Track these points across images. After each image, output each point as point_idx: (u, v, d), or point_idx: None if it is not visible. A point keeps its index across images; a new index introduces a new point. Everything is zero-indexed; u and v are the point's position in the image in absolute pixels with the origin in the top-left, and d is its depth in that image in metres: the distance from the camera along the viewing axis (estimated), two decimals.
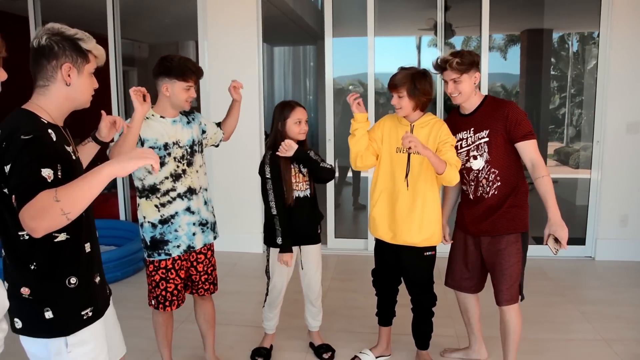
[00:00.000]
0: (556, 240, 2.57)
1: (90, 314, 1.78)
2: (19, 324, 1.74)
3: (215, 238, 2.93)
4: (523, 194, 2.78)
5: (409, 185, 2.85)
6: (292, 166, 2.99)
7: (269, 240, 3.07)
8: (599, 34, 4.93)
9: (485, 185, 2.76)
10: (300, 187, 3.01)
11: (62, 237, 1.71)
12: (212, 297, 3.06)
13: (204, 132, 2.92)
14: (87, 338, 1.78)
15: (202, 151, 2.88)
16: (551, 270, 4.70)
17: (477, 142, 2.74)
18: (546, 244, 2.59)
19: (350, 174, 6.99)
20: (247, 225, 5.17)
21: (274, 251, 3.06)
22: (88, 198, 1.53)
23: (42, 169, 1.55)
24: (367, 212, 5.87)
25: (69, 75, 1.70)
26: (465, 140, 2.79)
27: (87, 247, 1.81)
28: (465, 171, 2.82)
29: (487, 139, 2.71)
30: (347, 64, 6.79)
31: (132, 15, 6.42)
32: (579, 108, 8.18)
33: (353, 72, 8.42)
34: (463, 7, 6.24)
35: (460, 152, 2.81)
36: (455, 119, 2.88)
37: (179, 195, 2.72)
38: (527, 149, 2.65)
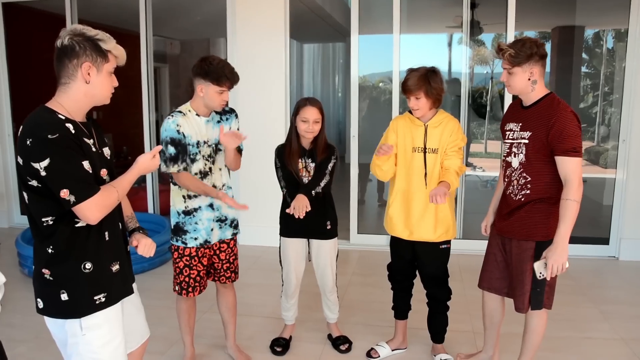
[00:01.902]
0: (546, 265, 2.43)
1: (102, 299, 1.89)
2: (40, 304, 1.88)
3: (234, 234, 3.02)
4: (553, 203, 2.55)
5: (427, 183, 2.92)
6: (300, 160, 3.07)
7: (282, 230, 3.21)
8: (627, 29, 4.87)
9: (515, 186, 2.65)
10: (304, 181, 3.08)
11: (82, 222, 1.84)
12: (235, 288, 3.16)
13: None
14: (101, 322, 1.90)
15: None
16: (573, 269, 4.64)
17: (519, 141, 2.61)
18: (534, 262, 2.50)
19: None
20: (271, 219, 5.21)
21: (284, 240, 3.21)
22: (127, 189, 1.94)
23: (83, 162, 1.78)
24: None
25: (88, 74, 1.82)
26: (512, 132, 2.66)
27: (107, 235, 1.93)
28: (504, 164, 2.74)
29: (526, 141, 2.56)
30: (377, 61, 6.82)
31: (164, 12, 6.58)
32: (612, 106, 8.04)
33: (383, 69, 8.43)
34: (491, 4, 6.21)
35: (506, 143, 2.71)
36: (515, 106, 2.74)
37: None
38: (565, 165, 2.42)
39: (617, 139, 5.02)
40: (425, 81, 2.81)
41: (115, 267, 1.97)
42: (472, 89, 6.38)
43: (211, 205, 2.87)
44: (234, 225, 3.01)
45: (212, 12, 7.31)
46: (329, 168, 3.06)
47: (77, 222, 1.84)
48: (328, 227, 3.18)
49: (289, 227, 3.18)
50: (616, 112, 7.91)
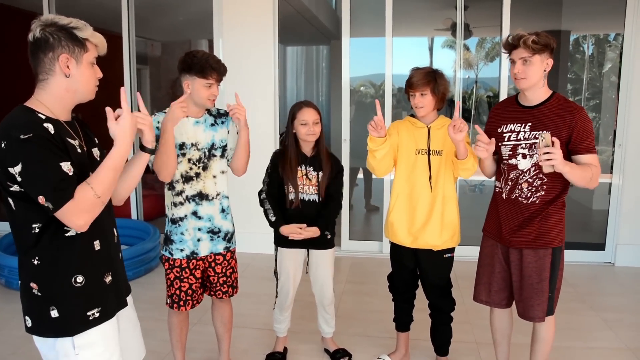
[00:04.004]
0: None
1: (97, 315, 1.72)
2: (29, 322, 1.71)
3: (227, 248, 2.81)
4: (561, 206, 2.54)
5: (432, 186, 2.79)
6: (299, 168, 2.93)
7: (277, 239, 3.04)
8: (621, 35, 4.83)
9: (525, 189, 2.51)
10: (305, 190, 2.94)
11: (73, 231, 1.67)
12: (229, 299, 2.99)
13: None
14: (96, 340, 1.72)
15: (224, 156, 2.77)
16: (570, 275, 4.57)
17: (532, 141, 2.47)
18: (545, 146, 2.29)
19: (360, 175, 6.91)
20: (260, 225, 5.06)
21: (281, 251, 3.05)
22: (115, 179, 1.68)
23: (61, 164, 1.57)
24: (380, 214, 5.83)
25: (67, 67, 1.64)
26: (515, 133, 2.52)
27: (97, 244, 1.76)
28: (506, 167, 2.56)
29: None
30: (359, 64, 6.71)
31: (145, 13, 6.40)
32: (594, 111, 8.07)
33: (364, 72, 8.34)
34: (481, 8, 6.16)
35: (506, 145, 2.55)
36: (510, 107, 2.61)
37: (187, 199, 2.67)
38: (589, 161, 2.40)
39: (602, 143, 4.99)
40: (432, 78, 2.71)
41: (109, 279, 1.80)
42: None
43: (195, 213, 2.68)
44: (228, 238, 2.81)
45: (194, 12, 7.14)
46: (341, 194, 3.03)
47: (68, 231, 1.66)
48: (328, 237, 3.04)
49: (286, 236, 3.02)
50: (598, 117, 7.97)
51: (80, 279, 1.69)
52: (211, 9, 5.22)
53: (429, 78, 2.70)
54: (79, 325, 1.69)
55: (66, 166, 1.58)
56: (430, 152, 2.80)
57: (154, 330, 3.45)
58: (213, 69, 2.55)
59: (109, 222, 1.85)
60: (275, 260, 3.09)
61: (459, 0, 5.17)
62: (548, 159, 2.26)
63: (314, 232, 2.87)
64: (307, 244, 3.01)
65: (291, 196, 2.93)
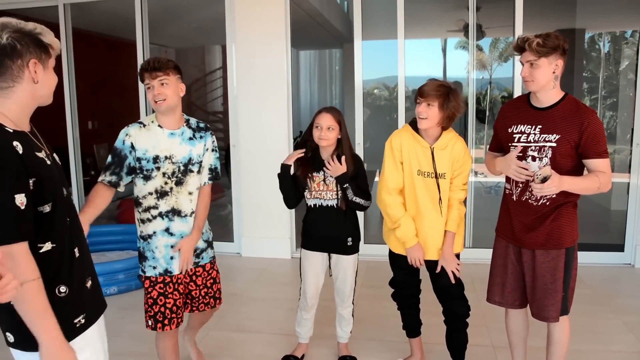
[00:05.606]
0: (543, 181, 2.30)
1: (82, 321, 1.70)
2: (11, 338, 1.63)
3: (197, 264, 2.69)
4: (573, 206, 2.52)
5: (442, 211, 2.78)
6: (317, 174, 2.94)
7: (302, 242, 3.10)
8: (638, 31, 4.77)
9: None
10: (323, 195, 2.95)
11: (47, 246, 1.61)
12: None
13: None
14: (82, 346, 1.69)
15: (201, 172, 2.65)
16: (589, 277, 4.52)
17: (541, 144, 2.44)
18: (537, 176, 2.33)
19: (377, 178, 6.89)
20: (276, 230, 5.10)
21: (304, 253, 3.09)
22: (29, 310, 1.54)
23: (16, 195, 1.48)
24: None
25: (35, 72, 1.61)
26: (526, 135, 2.48)
27: (77, 251, 1.72)
28: None
29: (554, 145, 2.41)
30: (373, 67, 6.69)
31: (159, 20, 6.46)
32: (611, 110, 7.97)
33: (378, 75, 8.34)
34: (493, 8, 6.12)
35: (515, 146, 2.51)
36: (522, 107, 2.56)
37: (160, 215, 2.53)
38: (599, 166, 2.38)
39: (619, 142, 4.91)
40: (445, 92, 2.63)
41: (89, 283, 1.77)
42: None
43: (167, 230, 2.54)
44: (197, 254, 2.68)
45: (206, 19, 7.18)
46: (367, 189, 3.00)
47: (41, 247, 1.59)
48: (349, 244, 3.04)
49: (310, 240, 3.07)
50: (614, 116, 7.87)
51: (63, 288, 1.65)
52: (223, 15, 5.26)
53: (441, 91, 2.63)
54: (66, 335, 1.63)
55: (20, 199, 1.49)
56: (438, 176, 2.75)
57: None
58: (142, 68, 2.48)
59: (81, 227, 1.82)
60: (300, 261, 3.12)
61: (470, 1, 5.13)
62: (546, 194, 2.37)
63: (339, 166, 2.87)
64: (329, 248, 3.05)
65: (309, 202, 3.00)
